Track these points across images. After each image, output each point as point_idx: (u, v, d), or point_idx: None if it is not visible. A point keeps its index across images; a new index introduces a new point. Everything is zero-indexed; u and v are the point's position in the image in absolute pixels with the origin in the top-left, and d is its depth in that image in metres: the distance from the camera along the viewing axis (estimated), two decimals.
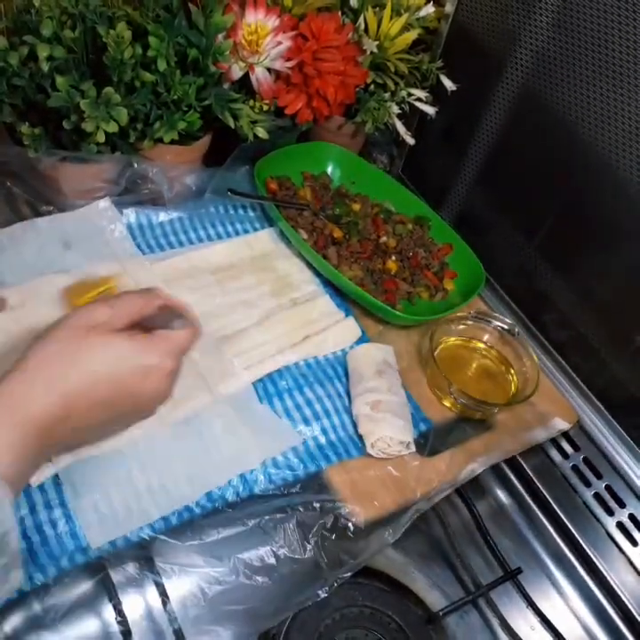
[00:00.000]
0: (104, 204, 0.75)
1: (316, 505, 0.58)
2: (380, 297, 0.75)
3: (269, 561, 0.55)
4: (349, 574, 0.56)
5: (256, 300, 0.73)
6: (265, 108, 0.77)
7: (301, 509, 0.57)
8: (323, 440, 0.64)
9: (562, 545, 0.69)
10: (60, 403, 0.42)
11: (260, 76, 0.75)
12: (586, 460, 0.73)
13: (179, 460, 0.58)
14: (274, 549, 0.55)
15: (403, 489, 0.62)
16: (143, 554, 0.53)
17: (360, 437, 0.64)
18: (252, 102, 0.76)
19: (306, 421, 0.65)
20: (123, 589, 0.52)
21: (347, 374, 0.69)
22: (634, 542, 0.68)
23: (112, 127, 0.65)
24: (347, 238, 0.79)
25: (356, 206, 0.84)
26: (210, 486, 0.57)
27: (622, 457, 0.71)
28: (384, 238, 0.81)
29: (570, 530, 0.69)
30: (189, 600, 0.52)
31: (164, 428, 0.59)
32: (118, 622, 0.51)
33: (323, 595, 0.55)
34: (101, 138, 0.66)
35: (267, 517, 0.57)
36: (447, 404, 0.70)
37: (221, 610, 0.52)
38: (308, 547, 0.56)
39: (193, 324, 0.49)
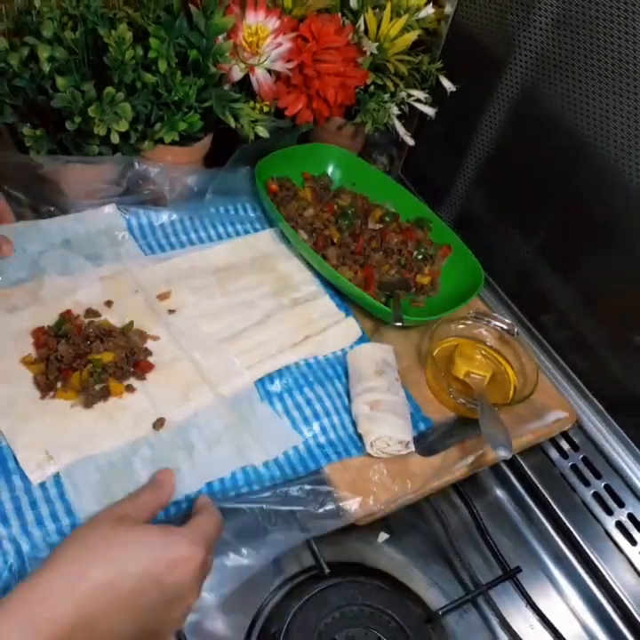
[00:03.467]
0: (109, 209, 0.76)
1: (313, 492, 0.58)
2: (380, 298, 0.75)
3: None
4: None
5: (257, 301, 0.74)
6: (265, 109, 0.77)
7: (298, 498, 0.58)
8: (322, 439, 0.64)
9: (561, 544, 0.70)
10: (76, 607, 0.38)
11: (260, 77, 0.76)
12: (585, 460, 0.73)
13: (180, 460, 0.58)
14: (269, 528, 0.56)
15: (401, 488, 0.62)
16: None
17: (360, 437, 0.64)
18: (252, 103, 0.76)
19: (306, 421, 0.65)
20: None
21: (347, 374, 0.70)
22: (633, 541, 0.68)
23: (123, 125, 0.66)
24: (343, 232, 0.80)
25: (346, 200, 0.85)
26: (211, 478, 0.58)
27: (621, 456, 0.72)
28: (373, 225, 0.82)
29: (569, 529, 0.69)
30: None
31: (166, 427, 0.60)
32: None
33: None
34: (116, 139, 0.67)
35: (264, 506, 0.57)
36: (446, 403, 0.71)
37: (218, 593, 0.53)
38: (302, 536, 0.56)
39: (216, 513, 0.49)
